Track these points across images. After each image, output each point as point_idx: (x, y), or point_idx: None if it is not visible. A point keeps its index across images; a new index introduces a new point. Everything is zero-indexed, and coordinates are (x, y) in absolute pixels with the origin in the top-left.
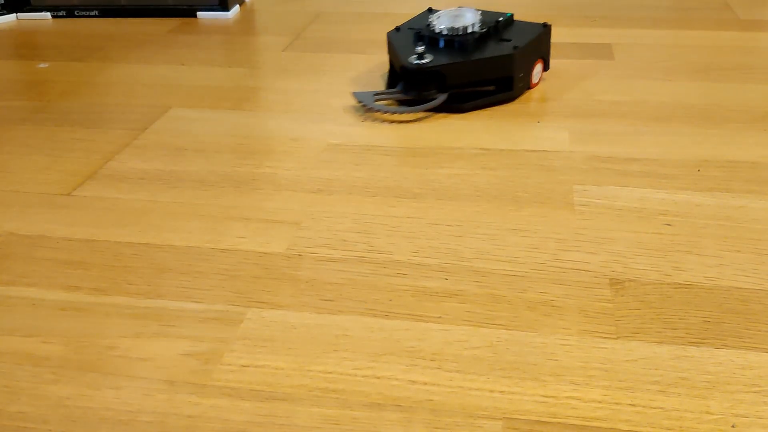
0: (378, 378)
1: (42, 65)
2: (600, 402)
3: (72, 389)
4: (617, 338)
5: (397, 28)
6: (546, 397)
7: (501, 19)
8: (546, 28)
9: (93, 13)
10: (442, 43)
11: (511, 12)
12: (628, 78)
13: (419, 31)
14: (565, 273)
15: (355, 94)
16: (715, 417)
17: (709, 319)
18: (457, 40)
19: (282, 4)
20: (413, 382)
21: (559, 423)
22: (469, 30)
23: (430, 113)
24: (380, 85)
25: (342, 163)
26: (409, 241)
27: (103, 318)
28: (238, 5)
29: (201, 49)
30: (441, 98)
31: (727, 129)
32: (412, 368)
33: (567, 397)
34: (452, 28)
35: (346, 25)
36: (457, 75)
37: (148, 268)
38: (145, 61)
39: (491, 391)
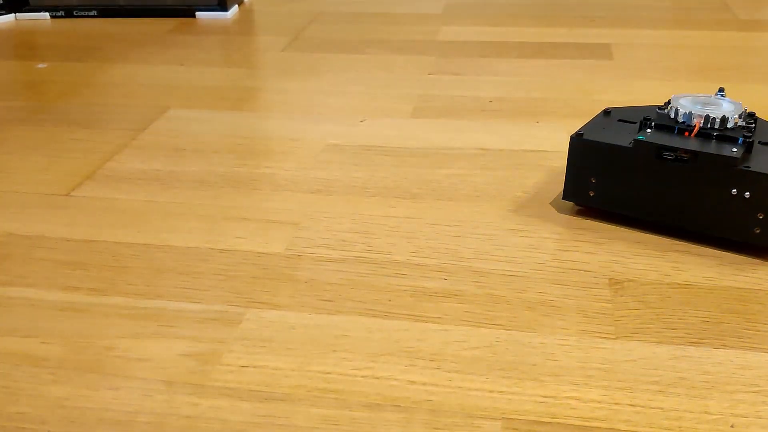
0: (377, 378)
1: (40, 65)
2: (599, 402)
3: (71, 390)
4: (616, 338)
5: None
6: (545, 397)
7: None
8: None
9: (92, 13)
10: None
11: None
12: (627, 78)
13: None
14: (564, 273)
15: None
16: (714, 417)
17: (708, 319)
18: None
19: (281, 4)
20: (412, 382)
21: (558, 423)
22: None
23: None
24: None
25: (341, 164)
26: (408, 242)
27: (102, 318)
28: (236, 5)
29: (200, 49)
30: None
31: None
32: (411, 368)
33: (566, 397)
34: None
35: (346, 25)
36: None
37: (147, 268)
38: (144, 62)
39: (490, 392)
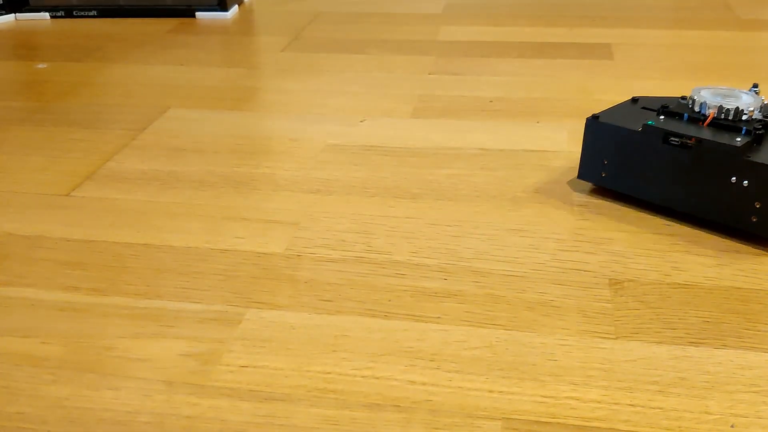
0: (377, 378)
1: (40, 65)
2: (599, 402)
3: (71, 390)
4: (616, 338)
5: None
6: (545, 397)
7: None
8: None
9: (91, 14)
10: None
11: None
12: (627, 78)
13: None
14: (564, 273)
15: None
16: (714, 417)
17: (708, 320)
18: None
19: (281, 4)
20: (412, 382)
21: (558, 423)
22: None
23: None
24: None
25: (341, 164)
26: (408, 242)
27: (102, 318)
28: (236, 5)
29: (200, 49)
30: None
31: None
32: (411, 368)
33: (566, 398)
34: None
35: (345, 25)
36: None
37: (147, 268)
38: (144, 62)
39: (490, 392)
